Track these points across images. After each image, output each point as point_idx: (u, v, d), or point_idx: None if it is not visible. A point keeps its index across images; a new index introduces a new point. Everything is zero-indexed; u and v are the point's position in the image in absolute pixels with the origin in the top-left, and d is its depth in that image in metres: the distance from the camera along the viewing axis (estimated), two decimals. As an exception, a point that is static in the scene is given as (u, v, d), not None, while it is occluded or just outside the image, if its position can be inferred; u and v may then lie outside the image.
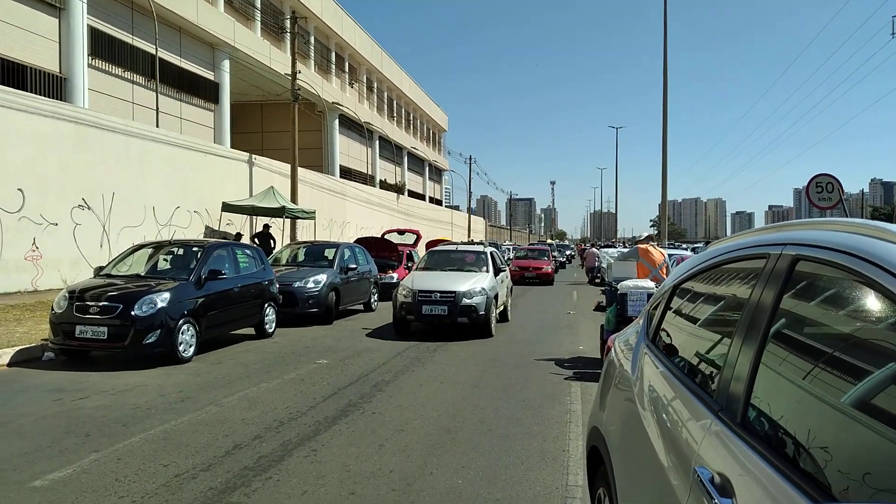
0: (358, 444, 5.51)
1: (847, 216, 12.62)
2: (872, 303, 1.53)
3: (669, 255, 13.41)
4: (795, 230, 2.09)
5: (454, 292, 11.54)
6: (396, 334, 11.83)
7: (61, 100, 17.28)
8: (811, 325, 1.81)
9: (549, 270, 27.79)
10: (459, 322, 11.52)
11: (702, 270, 2.74)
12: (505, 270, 14.43)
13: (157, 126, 20.02)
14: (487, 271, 12.79)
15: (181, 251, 10.68)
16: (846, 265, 1.63)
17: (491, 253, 13.72)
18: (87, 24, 19.09)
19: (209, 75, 25.82)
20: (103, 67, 20.49)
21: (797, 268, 1.86)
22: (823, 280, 1.79)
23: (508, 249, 41.81)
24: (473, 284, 11.85)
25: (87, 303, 8.61)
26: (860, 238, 1.68)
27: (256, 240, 20.75)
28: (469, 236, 59.74)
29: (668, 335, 2.83)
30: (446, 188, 77.80)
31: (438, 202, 65.46)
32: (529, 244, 49.84)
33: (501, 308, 13.49)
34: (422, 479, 4.74)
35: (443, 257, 13.93)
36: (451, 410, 6.73)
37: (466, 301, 11.50)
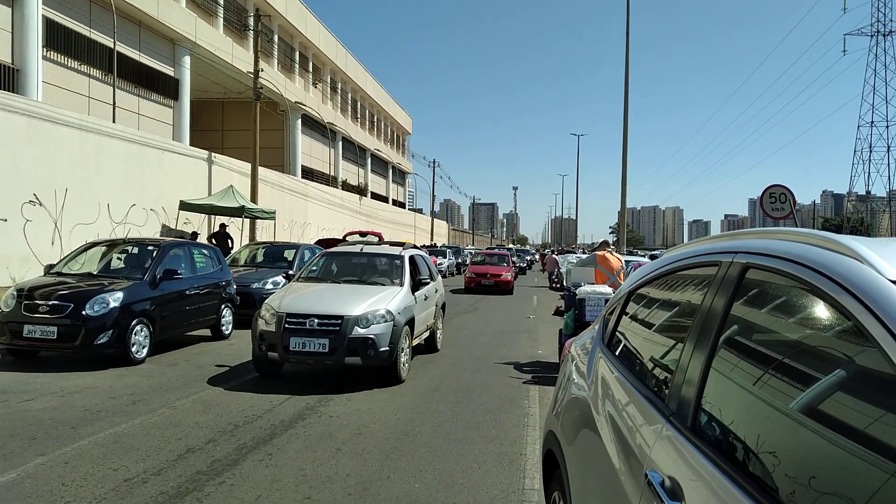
0: (314, 448, 5.45)
1: (798, 226, 12.97)
2: (819, 311, 1.57)
3: (627, 262, 13.62)
4: (747, 239, 2.14)
5: (341, 317, 7.79)
6: (260, 378, 8.22)
7: (13, 92, 16.73)
8: (761, 332, 1.85)
9: (509, 278, 25.71)
10: (348, 363, 7.83)
11: (657, 277, 2.78)
12: (431, 283, 10.47)
13: (114, 121, 19.53)
14: (401, 285, 9.03)
15: (136, 250, 10.44)
16: (794, 273, 1.66)
17: (411, 258, 9.91)
18: (42, 15, 18.55)
19: (169, 71, 25.30)
20: (59, 60, 19.92)
21: (747, 275, 1.91)
22: (772, 288, 1.83)
23: (470, 254, 41.79)
24: (374, 305, 8.11)
25: (37, 301, 8.36)
26: (808, 248, 1.72)
27: (213, 240, 20.41)
28: (432, 240, 59.76)
29: (623, 340, 2.87)
30: (410, 191, 77.69)
31: (402, 205, 65.32)
32: (487, 248, 49.49)
33: (427, 334, 10.22)
34: (378, 483, 4.72)
35: (339, 263, 10.04)
36: (410, 414, 6.71)
37: (360, 331, 7.76)
